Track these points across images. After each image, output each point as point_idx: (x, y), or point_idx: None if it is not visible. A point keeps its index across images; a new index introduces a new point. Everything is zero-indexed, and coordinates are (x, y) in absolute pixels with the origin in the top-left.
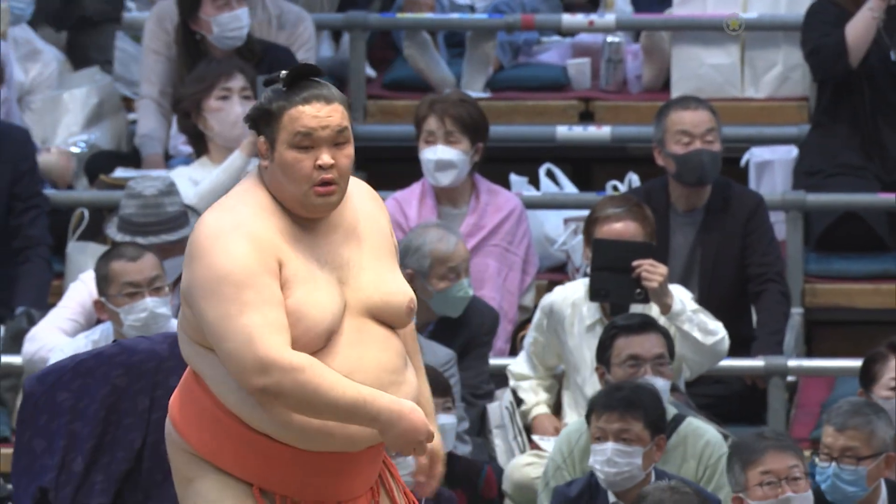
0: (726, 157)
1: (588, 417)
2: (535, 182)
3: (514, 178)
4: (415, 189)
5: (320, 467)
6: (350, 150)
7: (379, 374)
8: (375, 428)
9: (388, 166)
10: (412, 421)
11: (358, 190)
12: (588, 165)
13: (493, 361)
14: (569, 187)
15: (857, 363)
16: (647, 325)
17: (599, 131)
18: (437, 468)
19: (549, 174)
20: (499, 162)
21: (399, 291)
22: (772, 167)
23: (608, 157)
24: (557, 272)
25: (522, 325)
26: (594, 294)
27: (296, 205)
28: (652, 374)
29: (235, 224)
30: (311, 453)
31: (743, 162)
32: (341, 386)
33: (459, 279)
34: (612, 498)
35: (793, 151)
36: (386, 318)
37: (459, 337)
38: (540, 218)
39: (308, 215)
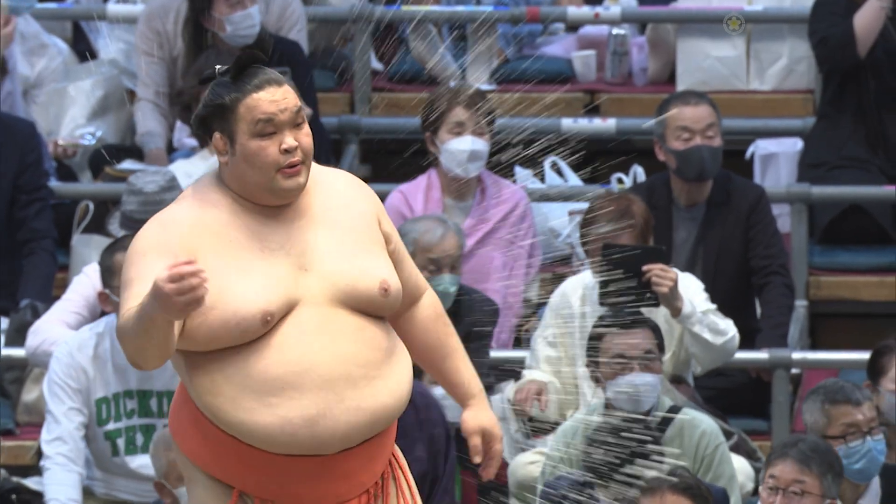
0: (731, 150)
1: None
2: (540, 175)
3: (519, 170)
4: (420, 182)
5: (295, 471)
6: (307, 128)
7: (347, 368)
8: (166, 317)
9: (393, 159)
10: (156, 287)
11: (336, 178)
12: (593, 158)
13: (496, 354)
14: (574, 180)
15: (861, 355)
16: (635, 321)
17: (604, 124)
18: (495, 447)
19: (555, 167)
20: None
21: (367, 274)
22: (777, 160)
23: (613, 150)
24: (562, 265)
25: (527, 318)
26: (604, 300)
27: (263, 193)
28: (640, 371)
29: (166, 212)
30: (283, 457)
31: (748, 154)
32: (128, 314)
33: (441, 273)
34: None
35: (798, 144)
36: (359, 305)
37: (458, 329)
38: (545, 210)
39: (277, 201)
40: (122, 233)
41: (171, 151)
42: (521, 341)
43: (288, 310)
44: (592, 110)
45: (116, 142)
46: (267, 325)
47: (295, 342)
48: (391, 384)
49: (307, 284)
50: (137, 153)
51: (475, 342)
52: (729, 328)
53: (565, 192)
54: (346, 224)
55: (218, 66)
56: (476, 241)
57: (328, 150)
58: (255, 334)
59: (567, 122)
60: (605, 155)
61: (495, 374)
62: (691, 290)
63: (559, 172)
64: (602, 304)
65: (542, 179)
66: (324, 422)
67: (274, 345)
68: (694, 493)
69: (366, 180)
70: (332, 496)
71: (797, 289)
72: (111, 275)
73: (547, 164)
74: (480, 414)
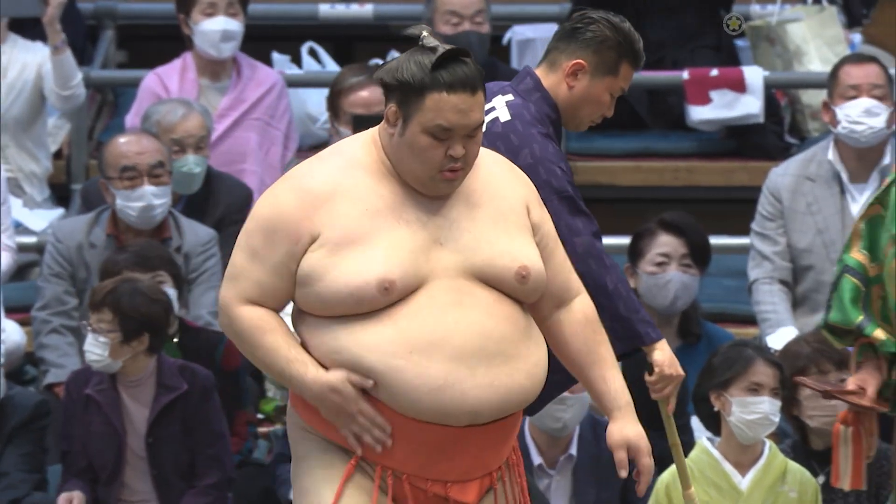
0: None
1: None
2: (297, 60)
3: (276, 56)
4: (175, 64)
5: (420, 439)
6: (480, 135)
7: (482, 342)
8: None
9: (148, 44)
10: (324, 384)
11: (492, 160)
12: (350, 43)
13: None
14: (331, 65)
15: (618, 241)
16: None
17: (362, 10)
18: (642, 461)
19: (312, 52)
20: (261, 40)
21: (506, 255)
22: (534, 45)
23: (370, 36)
24: (319, 150)
25: None
26: None
27: (415, 182)
28: None
29: (305, 173)
30: (410, 421)
31: (505, 40)
32: (263, 349)
33: (184, 154)
34: None
35: (554, 29)
36: (493, 282)
37: (210, 215)
38: (302, 96)
39: (427, 194)
40: None
41: None
42: None
43: (417, 282)
44: None
45: None
46: (386, 294)
47: (428, 313)
48: (529, 366)
49: (440, 258)
50: None
51: (230, 227)
52: None
53: (322, 78)
54: (493, 206)
55: (424, 32)
56: (232, 121)
57: (84, 37)
58: (373, 303)
59: (324, 8)
60: (363, 41)
61: None
62: None
63: (316, 58)
64: None
65: (300, 65)
66: (450, 392)
67: (406, 313)
68: None
69: (122, 66)
70: (455, 471)
71: None
72: None
73: (304, 49)
74: (627, 427)
